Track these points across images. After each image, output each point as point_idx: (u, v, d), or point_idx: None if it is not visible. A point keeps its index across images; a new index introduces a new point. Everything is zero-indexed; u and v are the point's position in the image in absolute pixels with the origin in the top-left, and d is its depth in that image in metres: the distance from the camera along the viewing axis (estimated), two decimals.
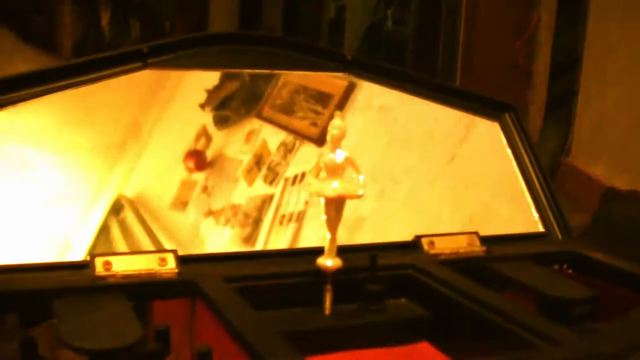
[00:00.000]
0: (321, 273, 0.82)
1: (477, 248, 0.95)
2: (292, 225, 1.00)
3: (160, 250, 0.84)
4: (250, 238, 0.97)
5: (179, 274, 0.81)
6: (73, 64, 0.93)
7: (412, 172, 1.07)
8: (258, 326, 0.72)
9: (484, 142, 1.10)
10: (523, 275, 0.88)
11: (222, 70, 1.02)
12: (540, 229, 1.03)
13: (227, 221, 0.97)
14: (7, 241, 0.85)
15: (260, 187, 1.02)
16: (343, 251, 0.83)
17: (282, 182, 1.02)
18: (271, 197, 1.01)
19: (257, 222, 0.99)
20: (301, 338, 0.78)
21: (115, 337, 0.65)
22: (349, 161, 0.80)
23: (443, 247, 0.94)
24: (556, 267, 0.97)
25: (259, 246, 0.97)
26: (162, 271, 0.81)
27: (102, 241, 0.89)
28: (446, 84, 1.12)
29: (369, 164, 0.99)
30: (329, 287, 0.82)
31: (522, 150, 1.08)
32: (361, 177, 0.80)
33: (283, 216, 1.00)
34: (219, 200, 0.98)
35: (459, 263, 0.91)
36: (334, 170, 0.80)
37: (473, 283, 0.84)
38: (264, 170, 1.03)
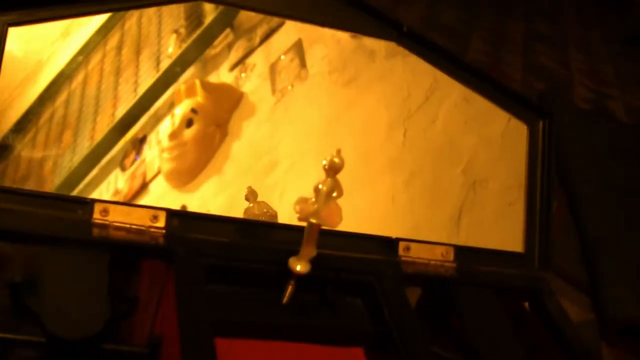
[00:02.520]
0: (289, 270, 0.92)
1: (449, 263, 1.05)
2: None
3: (154, 207, 0.93)
4: None
5: (165, 235, 0.91)
6: None
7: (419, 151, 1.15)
8: (198, 308, 0.83)
9: (505, 142, 1.15)
10: (468, 312, 0.99)
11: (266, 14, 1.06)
12: (521, 249, 1.12)
13: None
14: None
15: None
16: (325, 233, 0.91)
17: None
18: None
19: None
20: (248, 326, 0.92)
21: (77, 326, 0.77)
22: (338, 190, 0.88)
23: (417, 255, 1.04)
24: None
25: None
26: (152, 229, 0.91)
27: None
28: (490, 76, 1.14)
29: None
30: (292, 283, 0.93)
31: (539, 163, 1.13)
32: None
33: None
34: None
35: (424, 278, 1.03)
36: (323, 196, 0.88)
37: (412, 316, 0.94)
38: None
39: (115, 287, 0.87)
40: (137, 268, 0.94)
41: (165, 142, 1.12)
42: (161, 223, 0.92)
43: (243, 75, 1.14)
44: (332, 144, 1.09)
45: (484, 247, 1.10)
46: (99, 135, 1.10)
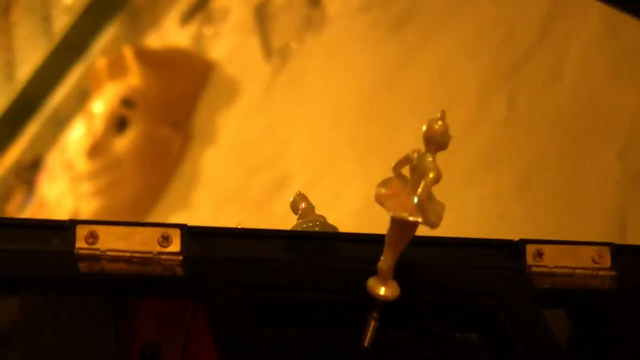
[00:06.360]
0: (369, 297, 0.71)
1: (604, 271, 0.82)
2: None
3: (165, 224, 0.73)
4: None
5: (182, 263, 0.72)
6: None
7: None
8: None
9: None
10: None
11: None
12: None
13: None
14: None
15: None
16: (421, 243, 0.73)
17: None
18: None
19: None
20: None
21: None
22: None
23: (554, 263, 0.81)
24: None
25: None
26: (163, 256, 0.72)
27: None
28: None
29: None
30: (375, 316, 0.73)
31: None
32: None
33: None
34: None
35: (567, 295, 0.82)
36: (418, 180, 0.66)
37: (557, 350, 0.76)
38: None
39: (125, 334, 0.72)
40: (146, 308, 0.75)
41: (82, 164, 0.84)
42: (175, 246, 0.73)
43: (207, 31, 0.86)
44: (383, 134, 0.91)
45: None
46: None
